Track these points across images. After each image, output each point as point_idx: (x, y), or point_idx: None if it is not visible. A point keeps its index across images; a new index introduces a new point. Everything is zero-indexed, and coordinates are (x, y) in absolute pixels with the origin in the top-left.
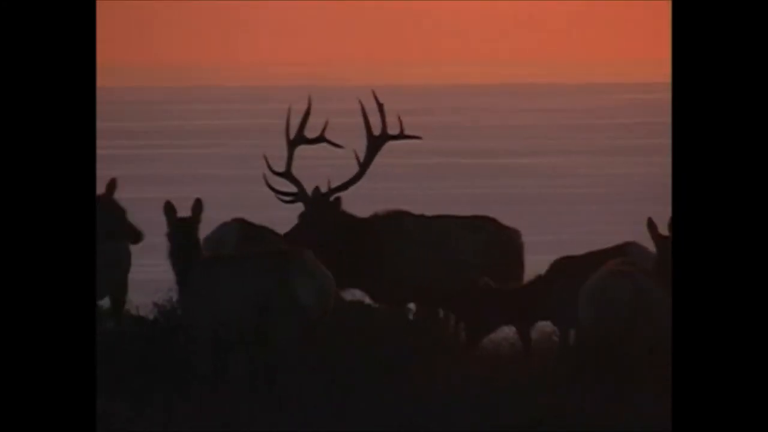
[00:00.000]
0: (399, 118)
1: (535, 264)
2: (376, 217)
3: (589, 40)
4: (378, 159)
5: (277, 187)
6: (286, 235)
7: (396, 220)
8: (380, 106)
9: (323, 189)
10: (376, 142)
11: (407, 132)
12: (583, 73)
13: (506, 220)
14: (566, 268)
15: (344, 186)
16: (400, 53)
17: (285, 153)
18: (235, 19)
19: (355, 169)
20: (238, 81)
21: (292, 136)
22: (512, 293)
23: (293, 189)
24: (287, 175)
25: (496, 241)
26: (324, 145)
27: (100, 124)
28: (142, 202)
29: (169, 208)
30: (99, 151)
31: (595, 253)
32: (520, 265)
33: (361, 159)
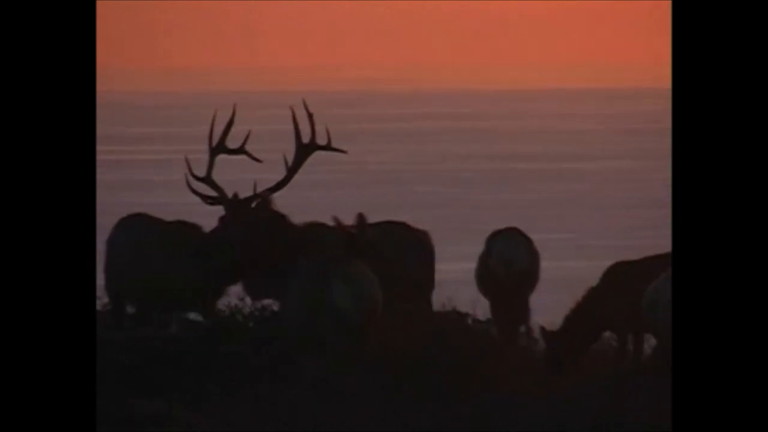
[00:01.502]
0: (327, 129)
1: (593, 270)
2: (295, 227)
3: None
4: (439, 165)
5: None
6: (205, 235)
7: (317, 230)
8: (310, 116)
9: (249, 193)
10: (304, 150)
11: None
12: (634, 78)
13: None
14: (621, 273)
15: (269, 191)
16: (401, 57)
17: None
18: (243, 21)
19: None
20: (247, 85)
21: (214, 143)
22: (569, 320)
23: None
24: (207, 180)
25: (410, 243)
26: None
27: (100, 128)
28: (151, 207)
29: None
30: (99, 156)
31: (651, 258)
32: (432, 264)
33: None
